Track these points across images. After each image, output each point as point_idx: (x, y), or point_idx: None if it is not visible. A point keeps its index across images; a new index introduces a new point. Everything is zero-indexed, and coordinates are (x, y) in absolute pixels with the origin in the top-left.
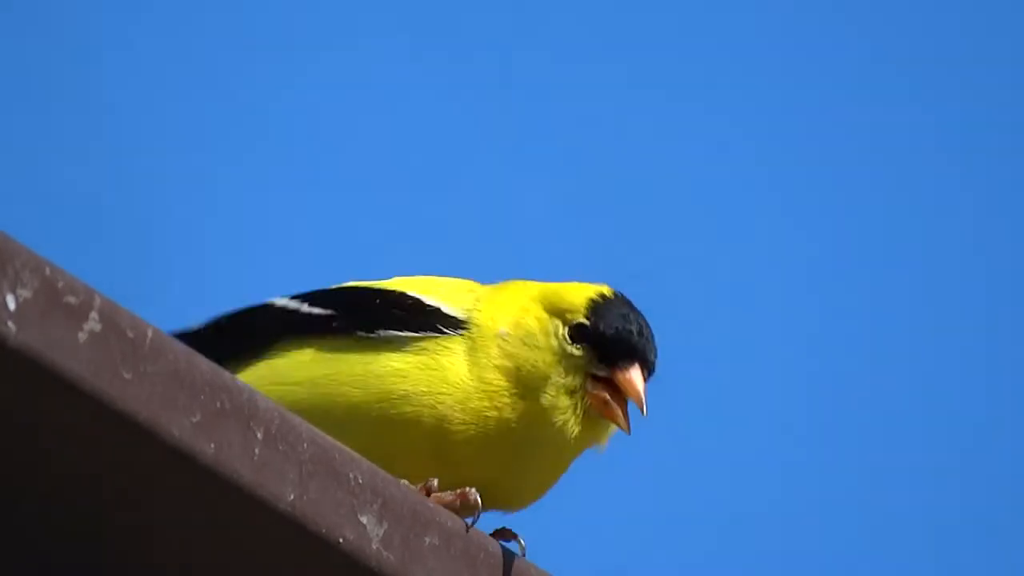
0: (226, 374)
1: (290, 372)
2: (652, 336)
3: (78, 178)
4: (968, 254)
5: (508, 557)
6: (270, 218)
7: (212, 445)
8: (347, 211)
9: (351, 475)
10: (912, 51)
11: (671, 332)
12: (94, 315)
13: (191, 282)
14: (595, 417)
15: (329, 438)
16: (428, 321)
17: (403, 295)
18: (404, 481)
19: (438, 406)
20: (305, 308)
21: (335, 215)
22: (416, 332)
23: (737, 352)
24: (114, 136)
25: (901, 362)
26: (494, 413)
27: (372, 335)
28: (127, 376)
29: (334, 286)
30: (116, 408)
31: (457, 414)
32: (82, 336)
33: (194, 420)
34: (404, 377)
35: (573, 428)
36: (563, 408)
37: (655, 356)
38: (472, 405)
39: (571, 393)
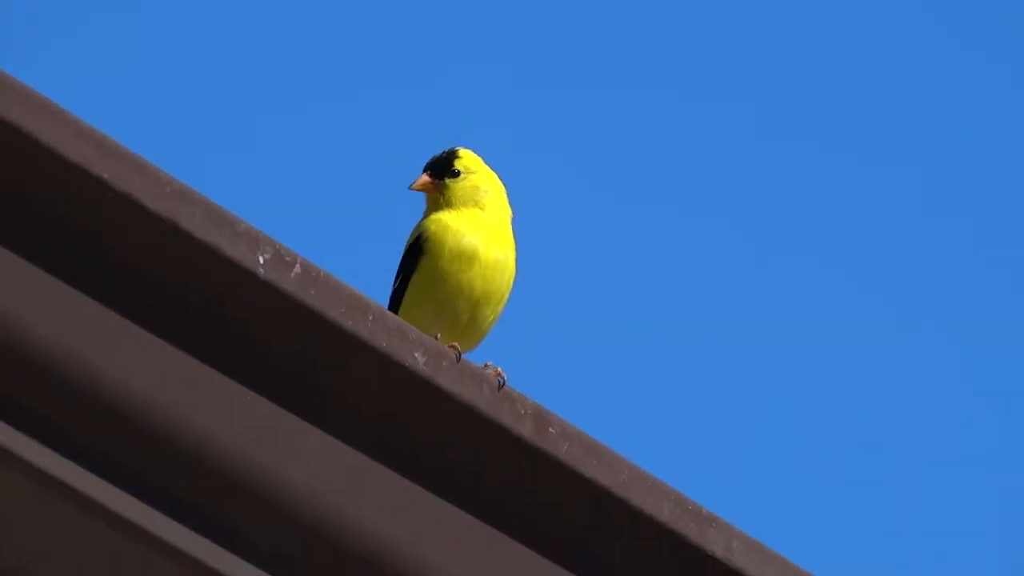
0: (356, 291)
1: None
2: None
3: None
4: None
5: (480, 370)
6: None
7: (350, 322)
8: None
9: (411, 335)
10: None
11: None
12: (297, 266)
13: None
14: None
15: (400, 319)
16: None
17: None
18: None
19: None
20: (398, 283)
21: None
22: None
23: None
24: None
25: None
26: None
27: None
28: (312, 292)
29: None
30: (308, 307)
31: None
32: (292, 275)
33: (342, 311)
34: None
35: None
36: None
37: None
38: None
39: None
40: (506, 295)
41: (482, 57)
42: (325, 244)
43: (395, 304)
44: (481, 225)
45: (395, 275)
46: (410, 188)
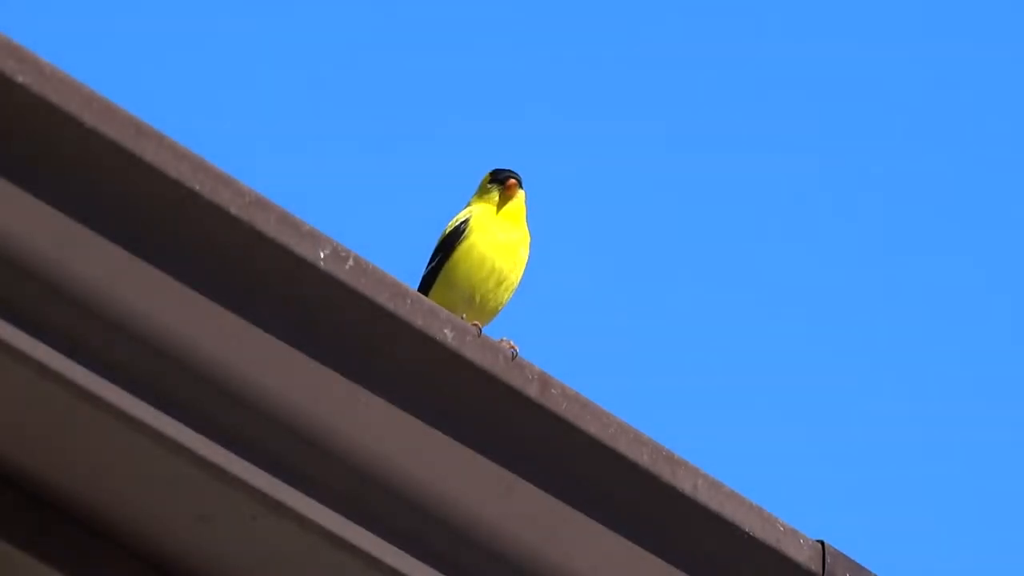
0: (397, 280)
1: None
2: (511, 171)
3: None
4: None
5: (497, 344)
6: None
7: (393, 305)
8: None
9: (441, 314)
10: None
11: None
12: (351, 260)
13: None
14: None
15: (432, 302)
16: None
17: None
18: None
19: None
20: (435, 262)
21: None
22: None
23: None
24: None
25: None
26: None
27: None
28: (363, 281)
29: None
30: (360, 293)
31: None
32: (347, 267)
33: (386, 296)
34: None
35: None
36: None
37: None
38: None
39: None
40: (517, 285)
41: (488, 54)
42: (363, 236)
43: (429, 281)
44: (517, 228)
45: (430, 256)
46: (509, 186)
